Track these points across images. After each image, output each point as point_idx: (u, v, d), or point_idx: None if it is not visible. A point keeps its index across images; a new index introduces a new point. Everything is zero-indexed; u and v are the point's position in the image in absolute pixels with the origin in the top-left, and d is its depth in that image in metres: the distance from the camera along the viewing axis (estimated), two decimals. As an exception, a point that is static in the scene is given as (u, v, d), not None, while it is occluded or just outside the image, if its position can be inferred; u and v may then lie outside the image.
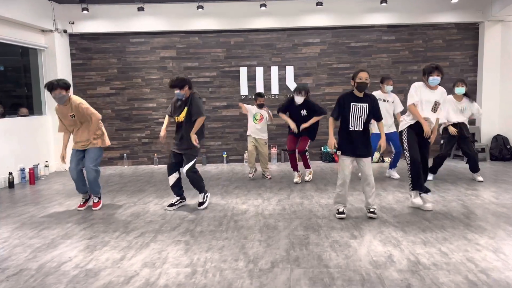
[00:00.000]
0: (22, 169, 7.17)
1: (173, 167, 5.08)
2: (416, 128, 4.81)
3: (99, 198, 5.31)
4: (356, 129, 4.47)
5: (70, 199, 5.85)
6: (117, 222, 4.64)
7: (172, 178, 5.09)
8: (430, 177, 6.35)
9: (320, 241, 3.87)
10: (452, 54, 8.66)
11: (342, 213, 4.61)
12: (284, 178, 7.03)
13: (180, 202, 5.26)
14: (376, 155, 8.49)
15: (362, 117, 4.46)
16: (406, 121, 4.91)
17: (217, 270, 3.29)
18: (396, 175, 6.72)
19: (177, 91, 4.95)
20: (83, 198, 5.35)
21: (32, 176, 7.04)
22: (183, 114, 4.97)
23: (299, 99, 6.27)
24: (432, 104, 4.76)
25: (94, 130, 5.08)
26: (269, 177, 6.81)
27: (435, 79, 4.70)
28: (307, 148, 6.52)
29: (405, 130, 4.89)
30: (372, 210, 4.61)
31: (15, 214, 5.12)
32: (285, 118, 6.45)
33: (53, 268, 3.40)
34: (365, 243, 3.78)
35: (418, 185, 4.80)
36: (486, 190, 5.76)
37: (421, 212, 4.73)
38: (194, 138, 4.87)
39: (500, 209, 4.77)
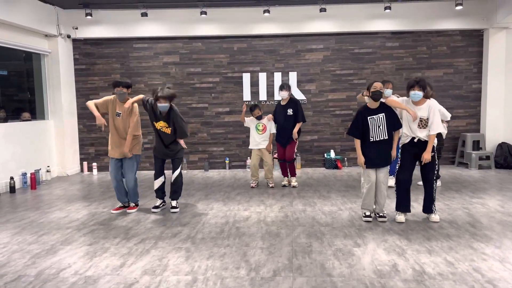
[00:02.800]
0: (24, 174, 7.14)
1: (160, 171, 5.38)
2: (413, 146, 4.56)
3: (136, 205, 5.49)
4: (378, 139, 4.56)
5: (70, 204, 5.81)
6: (117, 228, 4.59)
7: (158, 182, 5.39)
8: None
9: (323, 249, 3.81)
10: (456, 61, 8.61)
11: (369, 216, 4.70)
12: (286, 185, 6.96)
13: (163, 205, 5.47)
14: None
15: (381, 127, 4.53)
16: (403, 137, 4.68)
17: (218, 278, 3.23)
18: (391, 183, 6.61)
19: (164, 104, 5.00)
20: (122, 204, 5.46)
21: (34, 181, 7.01)
22: (164, 124, 5.14)
23: (283, 94, 6.51)
24: (417, 121, 4.48)
25: (131, 135, 5.13)
26: (271, 185, 6.74)
27: (416, 93, 4.41)
28: (295, 156, 6.75)
29: (401, 148, 4.70)
30: (381, 214, 4.70)
31: (15, 219, 5.08)
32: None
33: (52, 275, 3.35)
34: (369, 252, 3.72)
35: (401, 207, 4.68)
36: (491, 198, 5.68)
37: (425, 221, 4.66)
38: (181, 142, 5.31)
39: (506, 218, 4.69)
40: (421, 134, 4.48)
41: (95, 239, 4.22)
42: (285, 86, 6.54)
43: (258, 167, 6.79)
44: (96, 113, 5.07)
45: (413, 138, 4.54)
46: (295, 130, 6.49)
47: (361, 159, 4.62)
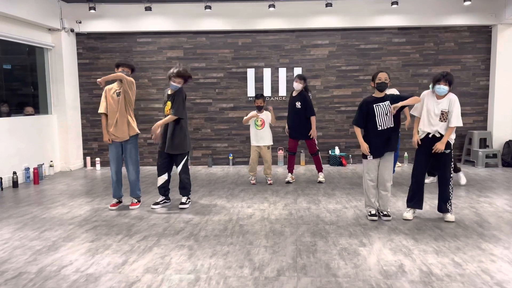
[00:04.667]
0: (27, 169, 7.12)
1: (164, 167, 5.21)
2: (427, 143, 4.48)
3: (138, 200, 5.39)
4: (385, 127, 4.49)
5: (73, 200, 5.77)
6: (120, 225, 4.55)
7: (161, 179, 5.24)
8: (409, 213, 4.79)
9: (328, 248, 3.75)
10: (464, 58, 8.49)
11: (374, 215, 4.62)
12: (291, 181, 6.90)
13: (165, 202, 5.38)
14: None
15: (388, 114, 4.46)
16: (419, 133, 4.58)
17: (221, 277, 3.17)
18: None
19: (176, 84, 5.00)
20: (117, 200, 5.40)
21: (36, 176, 6.99)
22: (169, 107, 5.04)
23: (297, 85, 6.46)
24: (439, 114, 4.41)
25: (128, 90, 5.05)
26: (269, 182, 6.67)
27: (441, 88, 4.35)
28: (317, 148, 6.68)
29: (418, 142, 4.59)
30: (385, 213, 4.61)
31: (18, 214, 5.05)
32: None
33: (53, 272, 3.31)
34: (374, 251, 3.65)
35: (412, 203, 4.63)
36: (499, 197, 5.59)
37: (432, 220, 4.58)
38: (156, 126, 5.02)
39: (515, 218, 4.61)
40: (441, 128, 4.40)
41: (97, 236, 4.18)
42: (298, 77, 6.50)
43: (257, 162, 6.71)
44: (104, 131, 5.15)
45: (428, 134, 4.46)
46: (313, 128, 6.47)
47: (363, 145, 4.52)
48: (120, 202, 5.38)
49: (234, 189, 6.38)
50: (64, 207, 5.36)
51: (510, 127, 8.39)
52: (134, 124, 5.20)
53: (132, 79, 5.12)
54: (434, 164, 4.59)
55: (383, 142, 4.49)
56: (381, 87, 4.49)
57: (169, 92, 5.10)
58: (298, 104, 6.45)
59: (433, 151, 4.43)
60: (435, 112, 4.40)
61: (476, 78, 8.52)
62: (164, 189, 5.31)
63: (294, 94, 6.58)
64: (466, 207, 5.09)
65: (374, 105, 4.50)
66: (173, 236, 4.15)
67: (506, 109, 8.36)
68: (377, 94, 4.56)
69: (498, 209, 4.98)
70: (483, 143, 8.27)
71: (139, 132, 5.28)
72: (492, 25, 8.30)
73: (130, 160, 5.22)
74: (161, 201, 5.33)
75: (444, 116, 4.40)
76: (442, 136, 4.39)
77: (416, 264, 3.37)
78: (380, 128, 4.49)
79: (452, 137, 4.45)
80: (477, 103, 8.51)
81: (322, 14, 8.26)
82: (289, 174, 6.79)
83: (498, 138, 8.38)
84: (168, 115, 5.04)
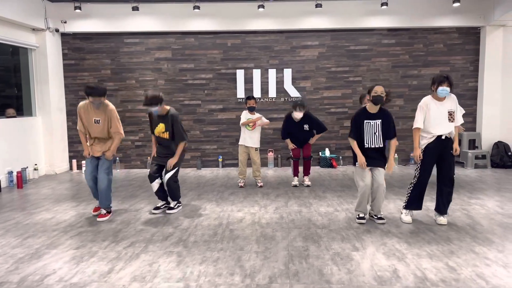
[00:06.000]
0: (10, 173, 6.91)
1: (156, 173, 5.10)
2: (438, 145, 4.38)
3: (108, 212, 4.99)
4: (372, 146, 4.44)
5: (58, 204, 5.61)
6: (106, 231, 4.41)
7: (156, 185, 5.11)
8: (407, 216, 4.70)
9: (320, 253, 3.67)
10: (453, 59, 8.51)
11: (363, 218, 4.57)
12: (281, 184, 6.82)
13: (166, 206, 5.24)
14: None
15: (377, 134, 4.41)
16: (426, 139, 4.45)
17: (211, 285, 3.07)
18: None
19: (154, 108, 4.87)
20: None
21: (20, 180, 6.78)
22: (162, 129, 5.00)
23: (298, 115, 6.30)
24: (446, 115, 4.33)
25: (115, 147, 4.91)
26: (260, 184, 6.59)
27: (444, 89, 4.26)
28: (311, 154, 6.72)
29: (423, 149, 4.46)
30: (380, 216, 4.59)
31: (0, 220, 4.87)
32: (289, 144, 6.55)
33: (35, 282, 3.17)
34: (368, 256, 3.58)
35: (413, 206, 4.58)
36: (490, 199, 5.58)
37: (424, 222, 4.53)
38: (173, 162, 5.02)
39: (507, 220, 4.58)
40: (452, 128, 4.37)
41: (82, 242, 4.04)
42: (299, 107, 6.25)
43: (246, 164, 6.62)
44: (84, 145, 4.97)
45: (439, 136, 4.35)
46: (314, 138, 6.56)
47: (361, 158, 4.43)
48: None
49: (223, 192, 6.27)
50: (48, 212, 5.20)
51: (499, 128, 8.44)
52: (115, 148, 4.96)
53: (112, 107, 4.87)
54: (440, 165, 4.49)
55: (370, 158, 4.44)
56: (377, 100, 4.37)
57: (161, 115, 4.98)
58: (306, 127, 6.40)
59: (454, 154, 4.42)
60: (444, 114, 4.34)
61: (465, 80, 8.55)
62: (161, 193, 5.14)
63: (297, 119, 6.36)
64: (458, 209, 5.06)
65: (364, 121, 4.43)
66: (161, 242, 4.03)
67: (495, 110, 8.40)
68: (371, 109, 4.45)
69: (489, 211, 4.96)
70: (472, 144, 8.30)
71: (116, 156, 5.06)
72: (480, 26, 8.34)
73: (102, 168, 4.85)
74: (162, 205, 5.17)
75: (452, 116, 4.36)
76: (449, 136, 4.40)
77: (410, 269, 3.30)
78: (367, 146, 4.44)
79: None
80: (466, 104, 8.52)
81: (312, 15, 8.21)
82: (295, 177, 6.69)
83: (487, 139, 8.42)
84: (159, 134, 5.02)
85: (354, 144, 4.54)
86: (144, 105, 4.89)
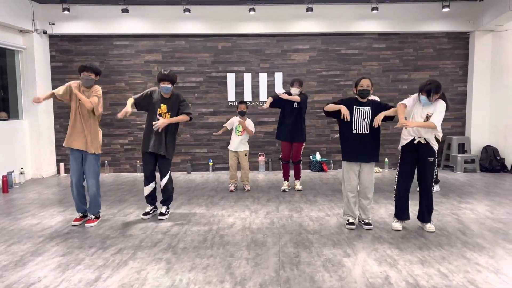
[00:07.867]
0: (-5, 176, 6.77)
1: (151, 176, 5.02)
2: (412, 150, 4.36)
3: (97, 217, 4.89)
4: (360, 132, 4.40)
5: (44, 209, 5.49)
6: (93, 237, 4.32)
7: (149, 188, 5.05)
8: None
9: (311, 259, 3.62)
10: (442, 64, 8.57)
11: (352, 223, 4.50)
12: (272, 188, 6.78)
13: (154, 211, 5.19)
14: None
15: (366, 120, 4.39)
16: (402, 140, 4.46)
17: (200, 293, 3.01)
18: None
19: (167, 85, 4.90)
20: (81, 214, 4.92)
21: (6, 184, 6.64)
22: (164, 109, 4.91)
23: (294, 90, 6.24)
24: (424, 117, 4.28)
25: (92, 105, 4.62)
26: (247, 188, 6.55)
27: (424, 99, 4.22)
28: (301, 157, 6.53)
29: (400, 152, 4.48)
30: (367, 222, 4.53)
31: (-17, 226, 4.75)
32: (284, 96, 6.25)
33: (19, 291, 3.07)
34: (359, 262, 3.54)
35: (400, 216, 4.51)
36: (479, 203, 5.60)
37: (415, 228, 4.52)
38: (165, 122, 4.84)
39: (497, 225, 4.59)
40: (426, 133, 4.27)
41: (68, 249, 3.94)
42: (297, 82, 6.25)
43: (236, 168, 6.58)
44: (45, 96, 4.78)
45: (413, 140, 4.33)
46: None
47: (345, 111, 4.33)
48: (85, 216, 4.92)
49: (214, 196, 6.21)
50: (34, 218, 5.08)
51: (488, 132, 8.50)
52: (97, 140, 4.76)
53: (98, 87, 4.77)
54: (418, 172, 4.48)
55: (359, 147, 4.40)
56: (363, 94, 4.42)
57: (166, 96, 4.96)
58: (295, 104, 6.24)
59: (374, 125, 4.33)
60: (421, 115, 4.28)
61: (454, 84, 8.61)
62: (151, 198, 5.10)
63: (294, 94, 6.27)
64: (448, 214, 5.06)
65: (354, 107, 4.43)
66: (150, 248, 3.95)
67: (484, 114, 8.47)
68: (360, 99, 4.49)
69: (479, 216, 4.97)
70: (462, 148, 8.35)
71: (100, 152, 4.83)
72: (469, 31, 8.41)
73: (89, 173, 4.72)
74: (151, 210, 5.10)
75: (429, 119, 4.25)
76: (427, 142, 4.31)
77: (402, 275, 3.28)
78: (355, 132, 4.41)
79: (435, 146, 4.38)
80: (455, 108, 8.59)
81: (303, 19, 8.20)
82: (285, 182, 6.58)
83: (476, 144, 8.48)
84: (161, 113, 4.90)
85: (330, 105, 4.49)
86: (160, 79, 4.86)
